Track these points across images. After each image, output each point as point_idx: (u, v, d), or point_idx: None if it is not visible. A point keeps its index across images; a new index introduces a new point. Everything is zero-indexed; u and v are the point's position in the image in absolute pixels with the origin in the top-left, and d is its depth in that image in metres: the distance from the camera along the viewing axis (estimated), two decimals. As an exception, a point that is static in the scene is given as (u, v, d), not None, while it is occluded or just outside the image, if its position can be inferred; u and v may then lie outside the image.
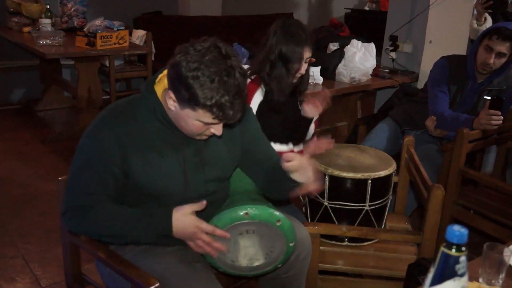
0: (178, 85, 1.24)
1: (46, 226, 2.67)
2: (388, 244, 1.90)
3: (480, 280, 1.20)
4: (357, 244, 1.88)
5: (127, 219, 1.35)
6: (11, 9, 4.10)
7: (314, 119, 2.16)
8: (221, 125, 1.32)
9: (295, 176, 1.43)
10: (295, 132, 2.15)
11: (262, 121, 1.66)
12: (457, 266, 0.82)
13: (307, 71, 2.18)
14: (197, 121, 1.29)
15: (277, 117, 2.08)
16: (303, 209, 2.03)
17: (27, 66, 4.67)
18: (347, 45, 3.44)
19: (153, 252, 1.43)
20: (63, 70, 4.66)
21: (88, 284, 1.63)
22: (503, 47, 2.45)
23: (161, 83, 1.38)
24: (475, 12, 3.41)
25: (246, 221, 1.36)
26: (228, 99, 1.23)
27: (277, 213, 1.37)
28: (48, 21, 3.87)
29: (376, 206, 1.87)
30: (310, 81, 2.75)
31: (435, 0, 3.46)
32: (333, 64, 3.37)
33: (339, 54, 3.41)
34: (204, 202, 1.35)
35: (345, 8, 6.57)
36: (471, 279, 1.07)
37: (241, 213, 1.35)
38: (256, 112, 2.00)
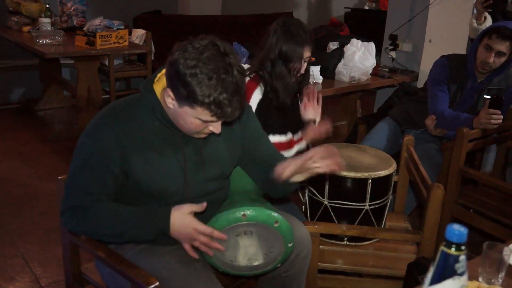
0: (176, 82, 1.24)
1: (46, 226, 2.67)
2: (388, 243, 1.90)
3: (480, 279, 1.20)
4: (357, 244, 1.88)
5: (126, 217, 1.35)
6: (11, 8, 4.10)
7: (317, 122, 2.16)
8: (219, 123, 1.32)
9: (296, 178, 1.43)
10: (293, 124, 2.16)
11: (262, 119, 1.66)
12: (457, 265, 0.82)
13: (308, 70, 2.18)
14: (195, 119, 1.28)
15: (278, 116, 2.08)
16: (303, 208, 2.03)
17: (26, 66, 4.67)
18: (346, 44, 3.45)
19: (153, 252, 1.43)
20: (62, 69, 4.66)
21: (88, 284, 1.63)
22: (502, 46, 2.45)
23: (160, 82, 1.38)
24: (475, 11, 3.41)
25: (244, 222, 1.36)
26: (226, 96, 1.22)
27: (275, 214, 1.37)
28: (47, 20, 3.87)
29: (376, 206, 1.87)
30: (310, 80, 2.75)
31: (434, -1, 3.47)
32: (332, 63, 3.37)
33: (339, 53, 3.41)
34: (204, 204, 1.35)
35: (344, 8, 6.57)
36: (470, 278, 1.07)
37: (239, 215, 1.35)
38: (256, 110, 2.00)
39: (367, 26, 5.82)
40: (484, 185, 2.53)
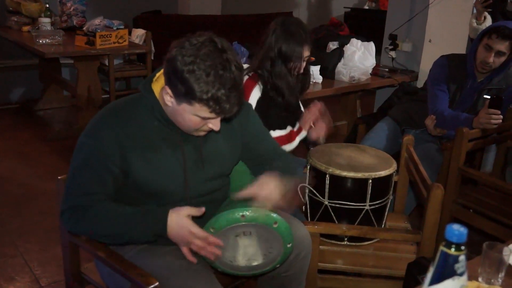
0: (174, 79, 1.24)
1: (46, 226, 2.67)
2: (388, 243, 1.90)
3: (480, 279, 1.20)
4: (357, 244, 1.88)
5: (126, 218, 1.34)
6: (11, 8, 4.10)
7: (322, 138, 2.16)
8: (218, 119, 1.31)
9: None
10: (292, 118, 2.17)
11: (261, 117, 1.66)
12: (457, 265, 0.82)
13: (308, 71, 2.18)
14: (194, 116, 1.28)
15: (277, 113, 2.08)
16: (303, 208, 2.03)
17: (26, 65, 4.66)
18: (346, 44, 3.45)
19: (153, 252, 1.43)
20: (62, 69, 4.66)
21: (88, 284, 1.63)
22: (502, 46, 2.45)
23: (159, 82, 1.38)
24: (475, 11, 3.41)
25: (243, 223, 1.35)
26: (224, 92, 1.22)
27: (274, 215, 1.37)
28: (47, 20, 3.87)
29: (377, 206, 1.87)
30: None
31: (434, -1, 3.47)
32: (332, 63, 3.37)
33: (339, 53, 3.41)
34: (203, 209, 1.34)
35: (344, 7, 6.57)
36: (470, 278, 1.07)
37: (238, 216, 1.35)
38: (255, 108, 2.00)
39: (367, 26, 5.82)
40: (484, 185, 2.53)
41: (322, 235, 1.79)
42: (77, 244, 1.53)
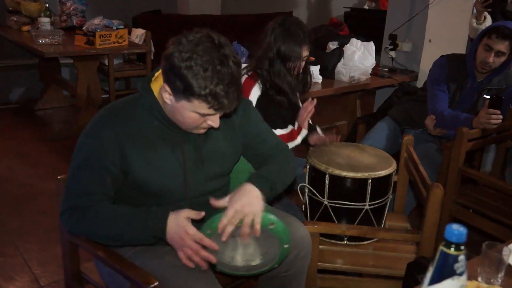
0: (172, 76, 1.24)
1: (46, 225, 2.67)
2: (387, 243, 1.90)
3: (479, 279, 1.20)
4: (357, 243, 1.88)
5: (126, 217, 1.34)
6: (10, 8, 4.10)
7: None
8: (217, 116, 1.31)
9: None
10: (292, 116, 2.17)
11: (262, 116, 1.66)
12: (456, 265, 0.82)
13: (309, 71, 2.18)
14: (193, 113, 1.28)
15: (277, 112, 2.08)
16: (303, 208, 2.03)
17: (26, 65, 4.66)
18: (346, 44, 3.44)
19: (152, 251, 1.42)
20: (62, 69, 4.66)
21: (87, 283, 1.63)
22: (502, 46, 2.45)
23: (158, 81, 1.37)
24: (475, 11, 3.41)
25: (240, 224, 1.35)
26: (222, 88, 1.22)
27: (270, 216, 1.36)
28: (47, 20, 3.87)
29: (376, 205, 1.87)
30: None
31: (434, -1, 3.47)
32: (332, 63, 3.37)
33: (339, 53, 3.40)
34: (202, 214, 1.33)
35: (344, 7, 6.57)
36: (470, 278, 1.07)
37: None
38: (256, 106, 2.00)
39: (366, 25, 5.82)
40: (483, 185, 2.54)
41: (321, 235, 1.79)
42: (77, 243, 1.53)
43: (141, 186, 1.38)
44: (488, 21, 3.28)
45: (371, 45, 3.44)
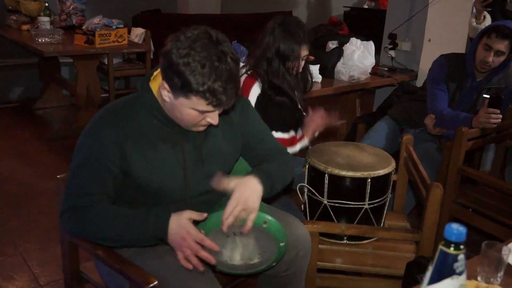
0: (170, 73, 1.24)
1: (45, 225, 2.67)
2: (387, 243, 1.90)
3: (479, 278, 1.20)
4: (356, 243, 1.88)
5: (127, 217, 1.34)
6: (10, 7, 4.09)
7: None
8: (216, 113, 1.31)
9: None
10: (294, 121, 2.17)
11: (261, 116, 1.66)
12: (456, 265, 0.82)
13: (309, 71, 2.18)
14: (191, 110, 1.28)
15: (277, 112, 2.08)
16: (302, 207, 2.04)
17: (25, 64, 4.66)
18: (346, 43, 3.44)
19: (152, 251, 1.42)
20: (61, 68, 4.66)
21: (87, 283, 1.63)
22: (502, 45, 2.45)
23: (157, 80, 1.37)
24: (474, 10, 3.41)
25: (239, 223, 1.35)
26: (220, 84, 1.22)
27: (263, 215, 1.36)
28: (46, 19, 3.86)
29: (375, 204, 1.87)
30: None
31: (434, -2, 3.47)
32: (332, 62, 3.37)
33: (338, 53, 3.40)
34: (205, 215, 1.33)
35: (344, 7, 6.57)
36: (469, 277, 1.07)
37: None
38: (255, 105, 2.00)
39: (366, 25, 5.83)
40: (483, 185, 2.54)
41: (321, 234, 1.79)
42: (76, 243, 1.53)
43: (141, 185, 1.38)
44: (488, 21, 3.28)
45: (371, 45, 3.44)
